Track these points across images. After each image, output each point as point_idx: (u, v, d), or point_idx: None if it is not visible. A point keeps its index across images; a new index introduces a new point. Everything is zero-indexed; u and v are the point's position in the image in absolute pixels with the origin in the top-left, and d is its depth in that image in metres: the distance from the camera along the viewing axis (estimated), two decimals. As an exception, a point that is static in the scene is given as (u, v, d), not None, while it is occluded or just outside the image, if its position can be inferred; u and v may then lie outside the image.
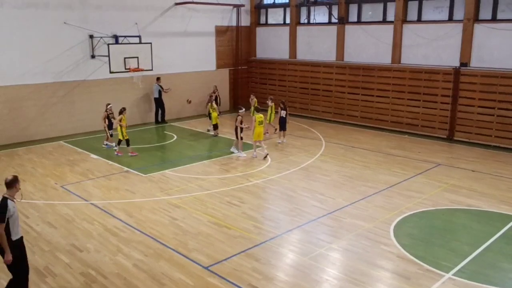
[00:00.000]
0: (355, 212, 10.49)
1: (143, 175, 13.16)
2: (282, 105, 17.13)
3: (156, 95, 20.17)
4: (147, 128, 19.55)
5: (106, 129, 15.81)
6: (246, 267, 8.01)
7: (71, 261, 8.21)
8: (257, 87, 24.52)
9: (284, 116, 16.89)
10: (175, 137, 17.91)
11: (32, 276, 7.68)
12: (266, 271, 7.92)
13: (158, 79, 19.96)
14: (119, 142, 15.20)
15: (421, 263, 8.16)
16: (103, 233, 9.36)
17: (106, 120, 15.69)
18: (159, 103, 20.32)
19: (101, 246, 8.78)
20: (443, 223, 10.05)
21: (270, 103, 17.59)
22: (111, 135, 15.92)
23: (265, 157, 14.58)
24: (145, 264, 8.12)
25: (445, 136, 17.62)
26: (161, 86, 20.04)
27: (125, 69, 17.60)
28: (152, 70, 18.49)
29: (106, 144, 16.05)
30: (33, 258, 8.29)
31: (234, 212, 10.48)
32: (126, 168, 13.75)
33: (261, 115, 14.95)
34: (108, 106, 15.74)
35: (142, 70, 18.01)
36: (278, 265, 8.21)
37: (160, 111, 20.50)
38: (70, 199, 11.30)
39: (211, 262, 8.18)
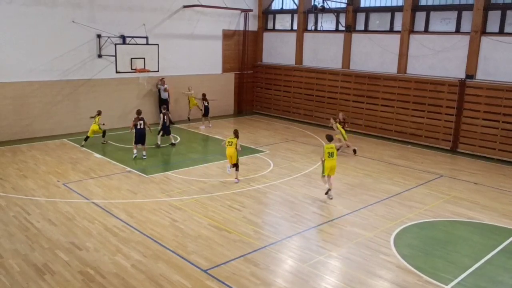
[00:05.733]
0: (355, 220, 10.47)
1: (145, 175, 13.17)
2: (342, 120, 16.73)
3: (165, 96, 20.25)
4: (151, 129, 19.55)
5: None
6: (245, 271, 7.99)
7: (70, 259, 8.21)
8: (262, 92, 24.56)
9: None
10: (178, 138, 17.92)
11: (30, 273, 7.70)
12: (265, 276, 7.90)
13: (162, 79, 20.06)
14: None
15: (421, 274, 8.12)
16: (103, 232, 9.36)
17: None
18: (166, 104, 20.40)
19: (101, 245, 8.78)
20: (444, 234, 10.01)
21: (334, 122, 16.42)
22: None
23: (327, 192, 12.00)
24: (144, 265, 8.12)
25: (448, 148, 17.58)
26: (162, 87, 20.25)
27: (131, 69, 17.65)
28: (158, 71, 18.54)
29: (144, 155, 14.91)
30: (33, 255, 8.31)
31: (235, 216, 10.47)
32: (128, 168, 13.77)
33: (332, 145, 11.94)
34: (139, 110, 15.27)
35: (148, 71, 18.06)
36: (277, 271, 8.19)
37: None
38: (71, 197, 11.32)
39: (210, 265, 8.17)
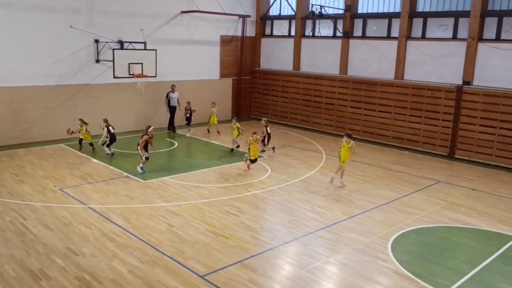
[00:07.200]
0: (353, 226, 10.46)
1: (143, 181, 13.14)
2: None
3: (174, 103, 19.83)
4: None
5: (142, 151, 13.84)
6: (242, 277, 7.97)
7: (67, 265, 8.17)
8: (260, 97, 24.60)
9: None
10: (176, 144, 17.91)
11: (26, 279, 7.66)
12: (262, 282, 7.87)
13: (172, 86, 19.88)
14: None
15: (418, 280, 8.11)
16: (99, 238, 9.32)
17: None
18: (175, 111, 20.06)
19: (97, 251, 8.74)
20: (441, 240, 10.01)
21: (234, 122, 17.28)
22: (147, 158, 13.93)
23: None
24: (141, 270, 8.08)
25: (445, 154, 17.62)
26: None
27: (129, 74, 17.67)
28: (156, 76, 18.55)
29: (142, 168, 13.94)
30: (28, 261, 8.26)
31: (232, 221, 10.45)
32: (125, 174, 13.74)
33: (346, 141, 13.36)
34: (150, 129, 13.94)
35: (146, 76, 18.08)
36: (275, 276, 8.16)
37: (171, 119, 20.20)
38: (68, 202, 11.27)
39: (207, 271, 8.14)
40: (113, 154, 15.72)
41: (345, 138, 13.42)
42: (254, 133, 14.87)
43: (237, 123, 17.23)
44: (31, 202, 11.19)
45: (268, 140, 17.11)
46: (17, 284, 7.49)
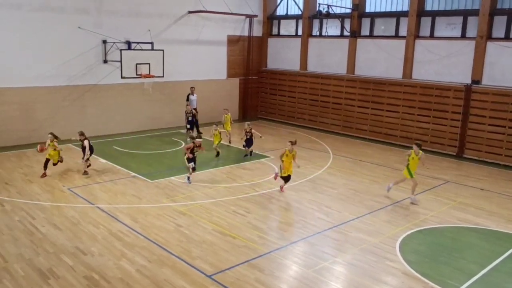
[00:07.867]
0: (361, 226, 10.41)
1: (150, 181, 13.18)
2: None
3: (194, 105, 19.40)
4: (155, 135, 19.62)
5: (186, 162, 13.23)
6: (250, 277, 7.96)
7: (75, 264, 8.21)
8: (267, 97, 24.58)
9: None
10: (183, 144, 17.93)
11: (35, 277, 7.71)
12: (269, 282, 7.86)
13: (192, 88, 19.69)
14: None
15: (427, 280, 8.05)
16: (107, 237, 9.36)
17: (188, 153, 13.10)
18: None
19: (105, 250, 8.78)
20: (450, 241, 9.94)
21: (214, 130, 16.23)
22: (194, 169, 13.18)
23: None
24: (148, 270, 8.10)
25: (454, 153, 17.49)
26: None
27: (137, 75, 17.73)
28: (163, 76, 18.59)
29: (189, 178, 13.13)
30: (37, 260, 8.32)
31: (239, 221, 10.45)
32: (133, 174, 13.78)
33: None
34: (199, 140, 13.28)
35: (153, 76, 18.13)
36: (282, 276, 8.15)
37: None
38: (76, 202, 11.34)
39: (215, 270, 8.14)
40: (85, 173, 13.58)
41: (414, 148, 12.11)
42: (291, 142, 12.49)
43: (218, 129, 16.26)
44: (40, 201, 11.27)
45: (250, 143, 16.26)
46: (25, 283, 7.54)
